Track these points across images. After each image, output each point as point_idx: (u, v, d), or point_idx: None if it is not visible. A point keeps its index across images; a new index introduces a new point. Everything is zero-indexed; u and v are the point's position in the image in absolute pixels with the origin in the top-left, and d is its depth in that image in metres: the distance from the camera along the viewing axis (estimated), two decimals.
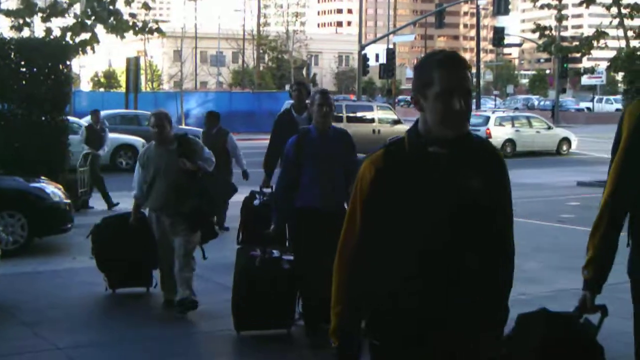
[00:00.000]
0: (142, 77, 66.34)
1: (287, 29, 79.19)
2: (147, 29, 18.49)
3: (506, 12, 45.15)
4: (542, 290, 10.31)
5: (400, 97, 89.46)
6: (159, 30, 18.89)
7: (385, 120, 31.83)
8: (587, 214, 16.34)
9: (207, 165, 9.34)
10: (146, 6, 18.66)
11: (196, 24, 79.70)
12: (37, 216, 12.77)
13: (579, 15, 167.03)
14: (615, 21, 26.92)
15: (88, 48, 17.62)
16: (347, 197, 6.81)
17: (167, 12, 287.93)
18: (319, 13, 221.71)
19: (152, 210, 9.33)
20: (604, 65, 31.30)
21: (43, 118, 16.33)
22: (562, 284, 10.55)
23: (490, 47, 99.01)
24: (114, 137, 27.48)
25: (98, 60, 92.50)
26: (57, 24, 18.40)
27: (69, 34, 17.70)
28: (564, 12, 31.29)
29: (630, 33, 26.55)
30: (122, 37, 18.46)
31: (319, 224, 7.71)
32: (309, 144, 7.98)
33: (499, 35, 53.14)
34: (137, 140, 27.12)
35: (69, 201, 13.30)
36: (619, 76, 38.99)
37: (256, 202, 10.58)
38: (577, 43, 29.81)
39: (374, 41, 61.56)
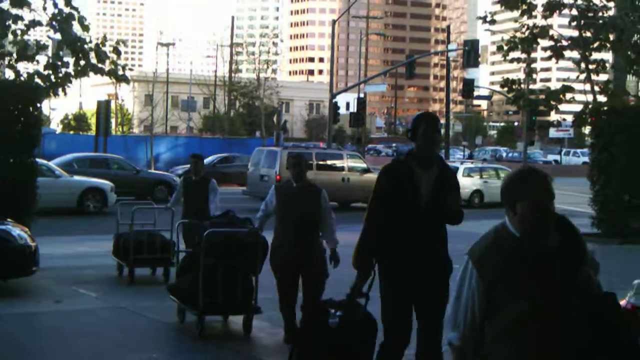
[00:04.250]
0: (113, 121, 66.30)
1: (259, 76, 79.49)
2: (114, 75, 18.45)
3: (476, 64, 45.68)
4: None
5: (370, 145, 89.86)
6: (124, 77, 18.88)
7: (355, 168, 31.88)
8: None
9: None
10: (117, 51, 18.66)
11: (168, 68, 79.90)
12: (2, 258, 12.64)
13: (548, 69, 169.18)
14: (582, 76, 27.29)
15: (59, 90, 17.57)
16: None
17: (140, 57, 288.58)
18: (290, 61, 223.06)
19: None
20: (571, 118, 31.67)
21: (12, 160, 16.27)
22: None
23: (459, 98, 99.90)
24: (82, 180, 27.42)
25: (69, 103, 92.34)
26: (26, 67, 18.39)
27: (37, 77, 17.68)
28: (533, 65, 31.57)
29: (596, 88, 26.91)
30: (87, 76, 18.42)
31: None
32: None
33: (468, 88, 53.68)
34: (105, 184, 26.99)
35: (34, 244, 13.20)
36: (587, 130, 39.44)
37: (332, 320, 6.75)
38: (544, 97, 30.09)
39: (345, 90, 61.98)
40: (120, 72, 18.81)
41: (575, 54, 27.88)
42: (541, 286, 3.90)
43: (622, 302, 6.06)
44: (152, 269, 14.70)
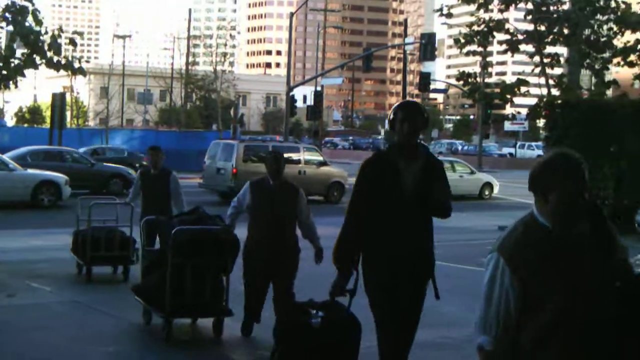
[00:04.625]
0: (68, 113, 65.68)
1: (216, 69, 79.19)
2: (69, 68, 18.29)
3: (432, 58, 45.90)
4: (462, 333, 10.39)
5: (327, 138, 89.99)
6: (80, 70, 18.72)
7: (312, 161, 31.90)
8: None
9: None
10: (73, 42, 18.49)
11: (124, 61, 79.35)
12: None
13: (504, 63, 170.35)
14: (537, 70, 27.56)
15: (10, 83, 17.39)
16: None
17: (96, 49, 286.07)
18: (248, 54, 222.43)
19: None
20: (525, 112, 31.97)
21: None
22: None
23: (416, 91, 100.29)
24: (36, 173, 27.13)
25: (24, 96, 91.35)
26: None
27: None
28: (488, 59, 31.85)
29: (551, 82, 27.18)
30: (36, 68, 18.22)
31: None
32: None
33: (424, 81, 53.97)
34: (59, 177, 26.73)
35: None
36: (541, 123, 39.78)
37: (315, 320, 6.67)
38: (499, 90, 30.38)
39: (302, 83, 62.05)
40: (77, 65, 18.66)
41: (530, 48, 28.15)
42: (577, 276, 3.79)
43: None
44: (113, 267, 14.11)
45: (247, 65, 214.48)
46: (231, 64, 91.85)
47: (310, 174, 30.83)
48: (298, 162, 31.42)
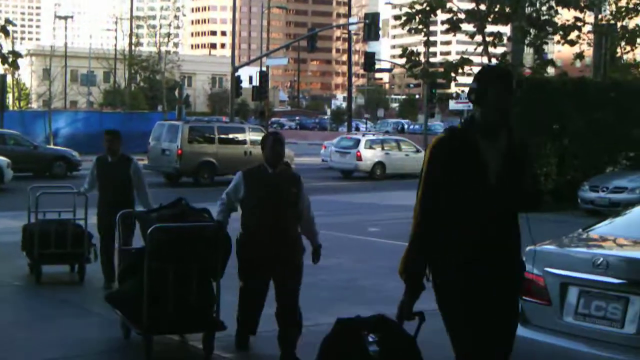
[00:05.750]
0: (10, 95, 64.73)
1: (160, 50, 78.55)
2: (4, 61, 17.98)
3: (376, 37, 46.05)
4: None
5: (274, 119, 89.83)
6: (14, 64, 18.41)
7: (257, 142, 31.84)
8: None
9: None
10: (4, 31, 18.13)
11: (66, 42, 78.31)
12: None
13: (448, 42, 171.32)
14: (480, 48, 27.82)
15: None
16: None
17: (37, 30, 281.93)
18: (193, 34, 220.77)
19: None
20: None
21: None
22: (420, 304, 10.75)
23: (361, 71, 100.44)
24: None
25: None
26: None
27: None
28: (433, 38, 32.09)
29: (493, 60, 27.42)
30: None
31: None
32: None
33: (370, 61, 54.05)
34: (1, 160, 26.38)
35: None
36: None
37: (373, 349, 5.19)
38: (442, 69, 30.65)
39: (247, 63, 61.72)
40: (11, 59, 18.34)
41: (472, 27, 28.38)
42: None
43: None
44: (71, 266, 12.37)
45: (192, 46, 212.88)
46: (175, 44, 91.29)
47: (256, 155, 30.54)
48: (244, 142, 31.39)
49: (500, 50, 29.01)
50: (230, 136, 31.91)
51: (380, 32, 47.26)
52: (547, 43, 28.42)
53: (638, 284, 5.64)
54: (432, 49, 40.78)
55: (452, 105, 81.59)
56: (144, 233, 8.21)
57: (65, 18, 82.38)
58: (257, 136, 32.70)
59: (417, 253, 5.00)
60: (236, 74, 49.19)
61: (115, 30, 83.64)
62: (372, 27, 44.12)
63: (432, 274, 5.04)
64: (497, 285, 4.95)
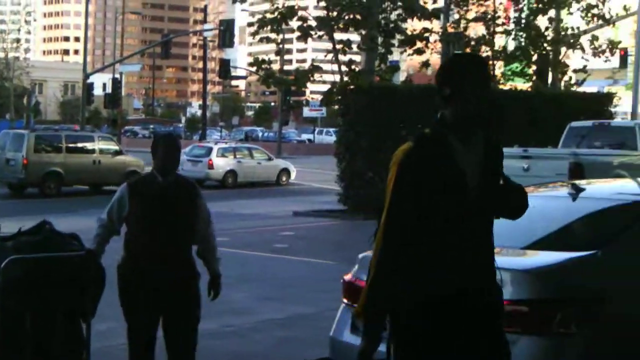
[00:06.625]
0: None
1: (7, 56, 76.19)
2: None
3: (231, 44, 45.99)
4: (248, 321, 10.33)
5: (127, 127, 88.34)
6: None
7: (107, 151, 31.20)
8: (300, 243, 16.73)
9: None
10: None
11: None
12: None
13: (304, 50, 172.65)
14: (330, 56, 28.04)
15: None
16: None
17: None
18: (45, 40, 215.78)
19: None
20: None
21: None
22: (268, 314, 10.66)
23: (217, 79, 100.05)
24: None
25: None
26: None
27: None
28: (289, 46, 32.28)
29: (343, 68, 27.67)
30: None
31: None
32: None
33: (225, 68, 54.16)
34: None
35: None
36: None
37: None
38: (293, 77, 30.82)
39: (101, 70, 60.74)
40: None
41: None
42: None
43: (347, 277, 6.06)
44: None
45: (44, 52, 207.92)
46: (26, 50, 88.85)
47: (105, 164, 30.26)
48: (92, 151, 30.75)
49: (355, 58, 29.35)
50: (79, 145, 31.16)
51: (237, 40, 47.26)
52: (391, 53, 28.93)
53: None
54: (288, 57, 41.10)
55: (306, 112, 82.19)
56: None
57: None
58: (107, 145, 32.10)
59: (383, 287, 4.01)
60: (88, 81, 48.24)
61: None
62: (227, 34, 44.06)
63: (392, 315, 4.10)
64: (479, 321, 4.07)
